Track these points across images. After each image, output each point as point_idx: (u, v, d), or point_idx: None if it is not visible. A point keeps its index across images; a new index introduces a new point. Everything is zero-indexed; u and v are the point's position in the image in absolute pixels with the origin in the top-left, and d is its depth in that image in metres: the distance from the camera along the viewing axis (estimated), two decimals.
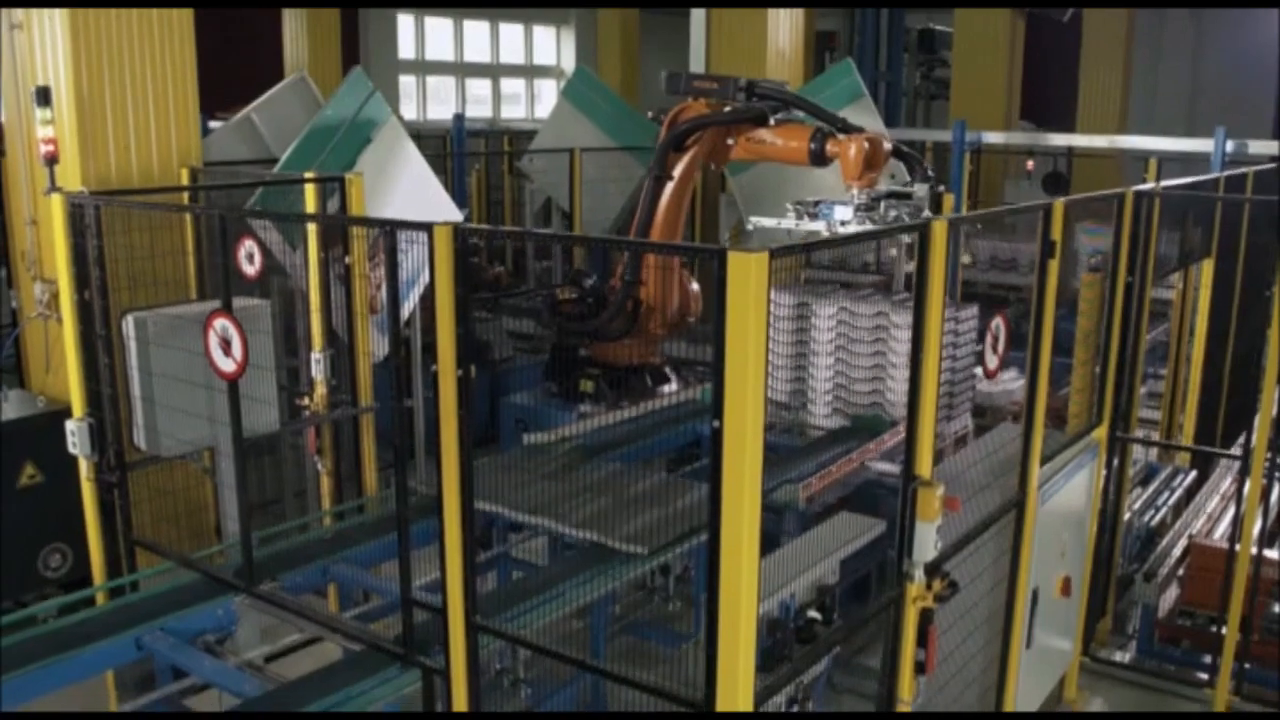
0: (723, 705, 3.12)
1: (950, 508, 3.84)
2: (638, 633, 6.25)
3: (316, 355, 6.29)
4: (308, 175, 6.04)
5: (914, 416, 3.74)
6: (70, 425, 4.97)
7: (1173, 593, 6.56)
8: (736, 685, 3.10)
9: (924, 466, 3.78)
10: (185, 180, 6.36)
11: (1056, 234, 4.60)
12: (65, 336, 5.15)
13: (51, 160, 4.92)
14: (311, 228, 5.97)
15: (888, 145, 6.88)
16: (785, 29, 11.44)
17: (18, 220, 6.85)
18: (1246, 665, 5.87)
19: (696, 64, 11.70)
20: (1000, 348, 4.36)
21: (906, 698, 4.01)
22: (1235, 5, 19.05)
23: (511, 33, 25.47)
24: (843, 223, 6.76)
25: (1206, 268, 7.15)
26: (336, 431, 6.47)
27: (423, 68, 23.37)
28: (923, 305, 3.62)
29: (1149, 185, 5.86)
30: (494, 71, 25.05)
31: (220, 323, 4.26)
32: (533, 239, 11.16)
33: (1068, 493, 5.35)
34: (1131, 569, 6.48)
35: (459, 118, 13.98)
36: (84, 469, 5.07)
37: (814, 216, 6.94)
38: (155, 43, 5.88)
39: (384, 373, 6.17)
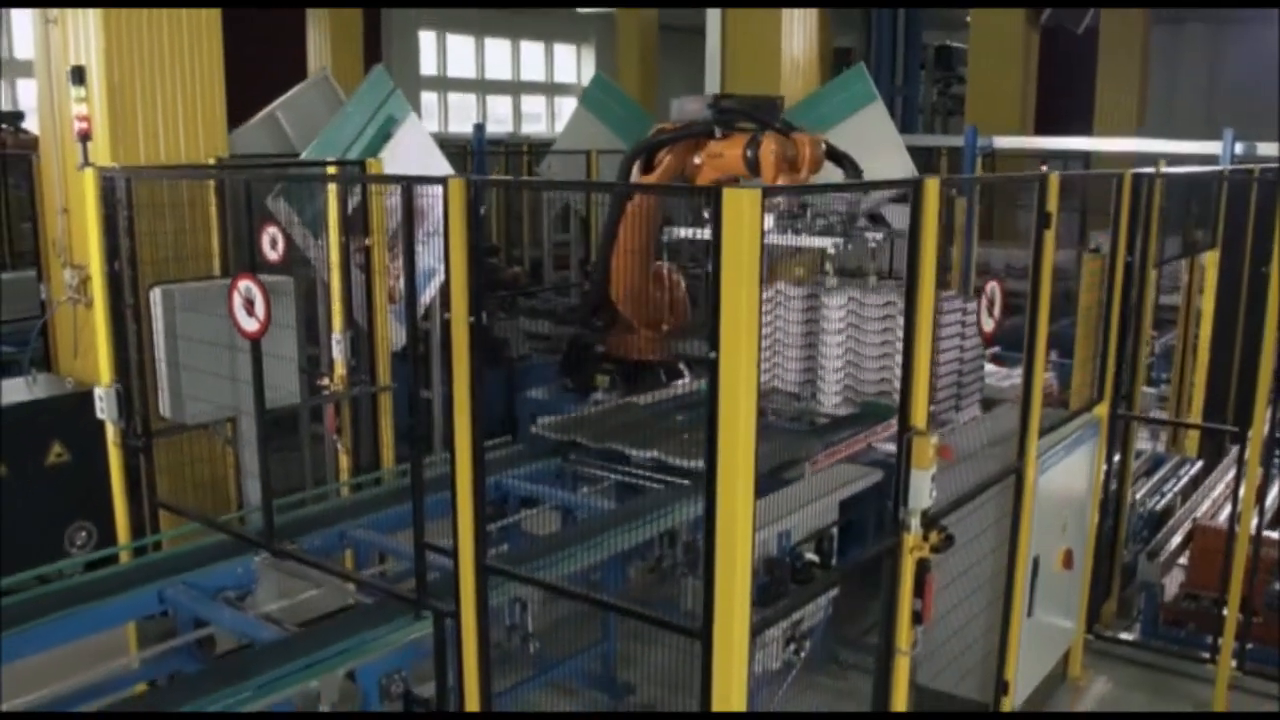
0: (720, 632, 3.24)
1: (943, 455, 3.96)
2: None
3: (337, 337, 6.47)
4: (330, 162, 6.22)
5: (909, 366, 3.87)
6: (99, 392, 5.15)
7: (1178, 579, 6.64)
8: (733, 613, 3.22)
9: (919, 417, 3.91)
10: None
11: (1052, 206, 4.73)
12: (95, 306, 5.34)
13: (85, 137, 5.14)
14: (332, 213, 6.15)
15: (820, 146, 6.73)
16: (799, 42, 11.62)
17: (49, 209, 7.06)
18: (1248, 646, 5.94)
19: (712, 78, 11.88)
20: (996, 312, 4.49)
21: (904, 647, 4.12)
22: (1239, 5, 19.07)
23: (532, 50, 25.81)
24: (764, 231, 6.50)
25: (1211, 259, 7.26)
26: (355, 412, 6.65)
27: (445, 84, 23.72)
28: (916, 253, 3.76)
29: (1149, 169, 5.98)
30: (515, 89, 25.38)
31: (244, 284, 4.43)
32: (542, 188, 11.35)
33: (1068, 466, 5.45)
34: (1136, 550, 6.55)
35: (479, 127, 14.21)
36: (111, 434, 5.24)
37: None
38: (184, 38, 6.10)
39: (403, 367, 6.33)
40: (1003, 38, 16.55)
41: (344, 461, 6.55)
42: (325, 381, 6.51)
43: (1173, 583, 6.65)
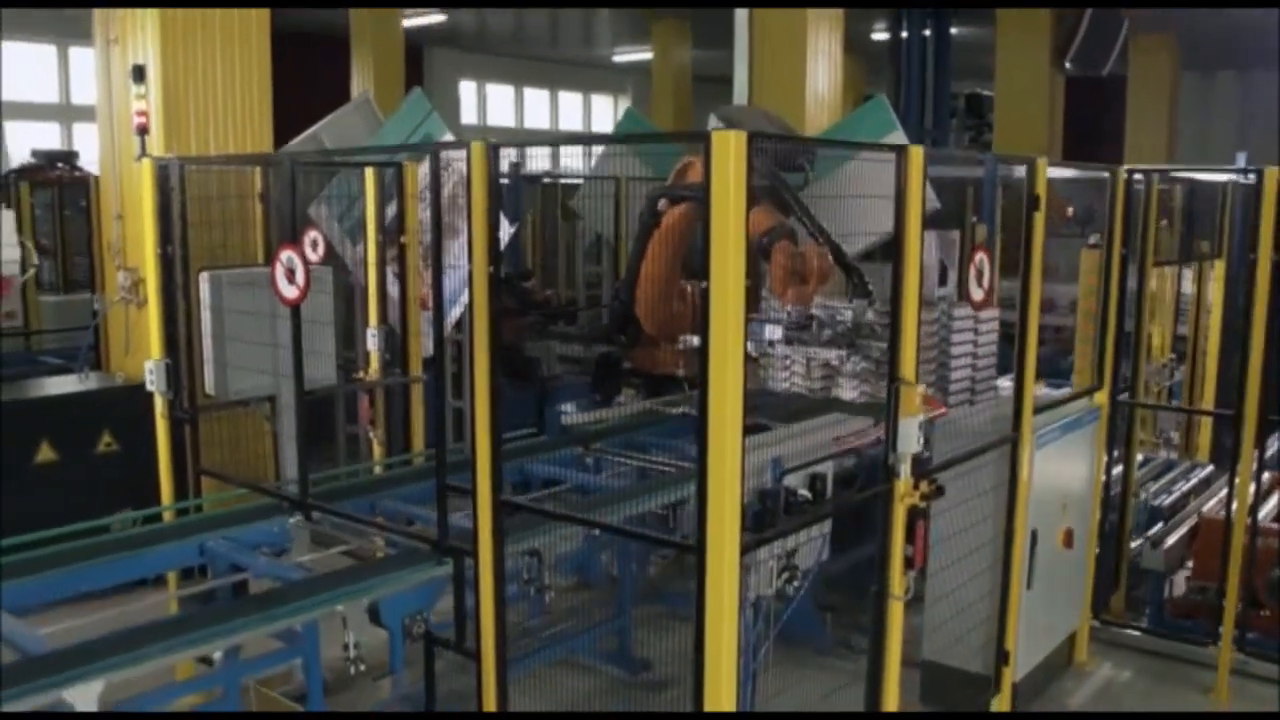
0: (712, 548, 3.50)
1: (931, 405, 4.22)
2: (666, 601, 6.66)
3: (372, 331, 6.85)
4: (369, 161, 6.61)
5: (896, 321, 4.15)
6: (149, 365, 5.52)
7: (1186, 576, 6.79)
8: (724, 529, 3.49)
9: (907, 370, 4.18)
10: (257, 178, 7.01)
11: (1040, 189, 5.03)
12: (147, 285, 5.74)
13: (143, 130, 5.58)
14: (370, 209, 6.55)
15: (828, 258, 6.50)
16: (824, 82, 12.05)
17: (106, 216, 7.53)
18: (1249, 635, 6.09)
19: None
20: (985, 281, 4.76)
21: (898, 592, 4.35)
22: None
23: (570, 100, 26.49)
24: (771, 342, 6.50)
25: (1218, 268, 7.50)
26: (388, 405, 6.99)
27: (485, 133, 24.39)
28: (902, 216, 4.07)
29: (1144, 166, 6.26)
30: (586, 140, 25.96)
31: (286, 254, 4.80)
32: (565, 142, 11.69)
33: (1066, 445, 5.68)
34: (1142, 542, 6.72)
35: (516, 165, 14.70)
36: (159, 406, 5.61)
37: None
38: (235, 44, 6.56)
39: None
40: (1028, 82, 16.89)
41: (377, 452, 6.89)
42: (361, 375, 6.88)
43: (1178, 581, 6.81)
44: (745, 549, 3.60)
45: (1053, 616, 5.88)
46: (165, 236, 5.54)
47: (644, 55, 22.31)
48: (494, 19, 21.07)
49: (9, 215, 7.18)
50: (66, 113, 18.61)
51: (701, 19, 20.07)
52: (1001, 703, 5.43)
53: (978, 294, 4.73)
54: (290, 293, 4.83)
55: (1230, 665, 5.99)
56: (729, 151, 3.32)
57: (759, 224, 7.15)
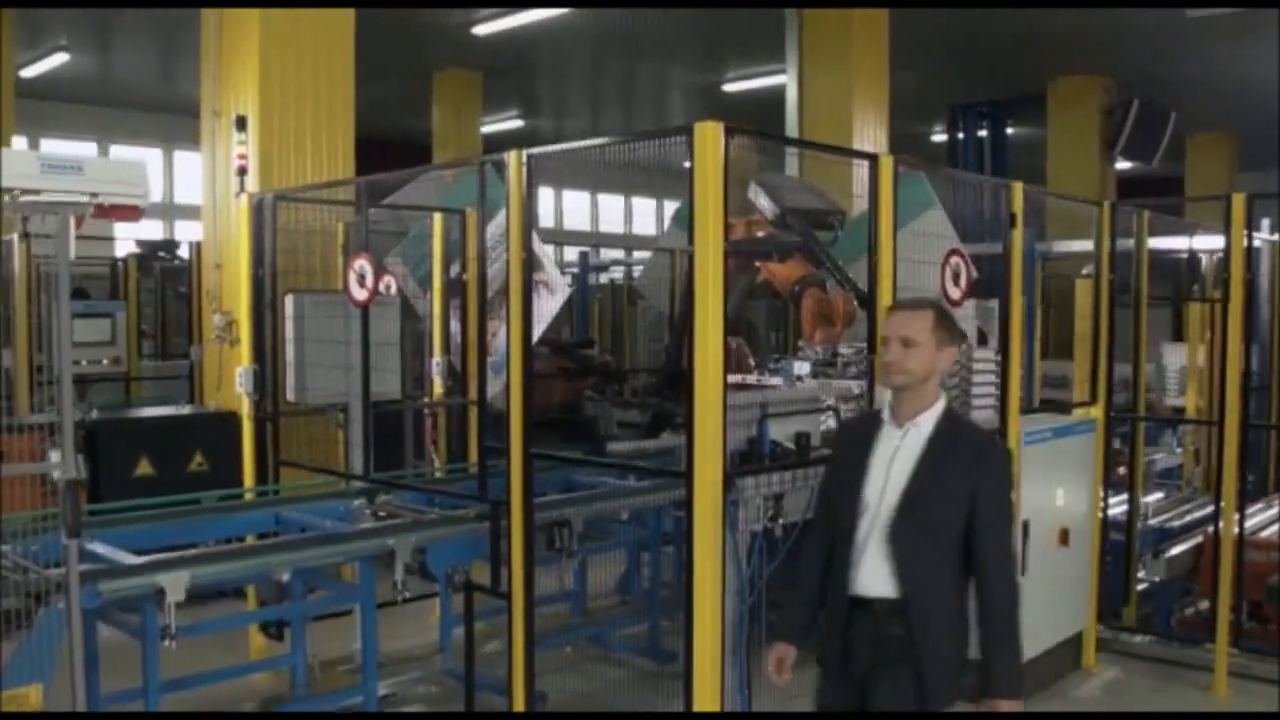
0: (700, 475, 4.13)
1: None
2: None
3: (436, 360, 7.63)
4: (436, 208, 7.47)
5: (873, 294, 4.80)
6: (239, 370, 6.35)
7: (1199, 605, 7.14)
8: (708, 458, 4.12)
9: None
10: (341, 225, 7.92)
11: (1016, 208, 5.68)
12: (240, 312, 6.60)
13: (242, 171, 6.50)
14: (437, 249, 7.37)
15: (853, 303, 7.12)
16: (869, 144, 12.83)
17: (207, 266, 8.48)
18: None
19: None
20: (961, 282, 5.39)
21: None
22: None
23: (645, 206, 27.66)
24: (799, 378, 7.12)
25: None
26: (450, 428, 7.74)
27: (561, 237, 25.55)
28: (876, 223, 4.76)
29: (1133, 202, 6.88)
30: (627, 242, 27.10)
31: (359, 263, 5.62)
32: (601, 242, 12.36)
33: (1059, 447, 6.19)
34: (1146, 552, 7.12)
35: (584, 254, 15.77)
36: (246, 407, 6.41)
37: (774, 372, 7.59)
38: (323, 98, 7.54)
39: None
40: (1078, 177, 17.42)
41: (438, 463, 7.62)
42: (426, 399, 7.65)
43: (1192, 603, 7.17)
44: (729, 479, 4.23)
45: (1053, 611, 6.25)
46: (258, 261, 6.40)
47: None
48: (571, 125, 22.34)
49: None
50: (170, 211, 20.16)
51: (765, 122, 21.10)
52: None
53: (954, 293, 5.34)
54: (360, 295, 5.63)
55: (1230, 667, 6.32)
56: (708, 141, 4.06)
57: (792, 274, 7.86)
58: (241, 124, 6.75)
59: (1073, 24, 14.60)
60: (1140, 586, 7.39)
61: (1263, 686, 6.33)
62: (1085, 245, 13.92)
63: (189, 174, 19.26)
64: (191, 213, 8.10)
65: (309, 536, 4.99)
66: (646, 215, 27.85)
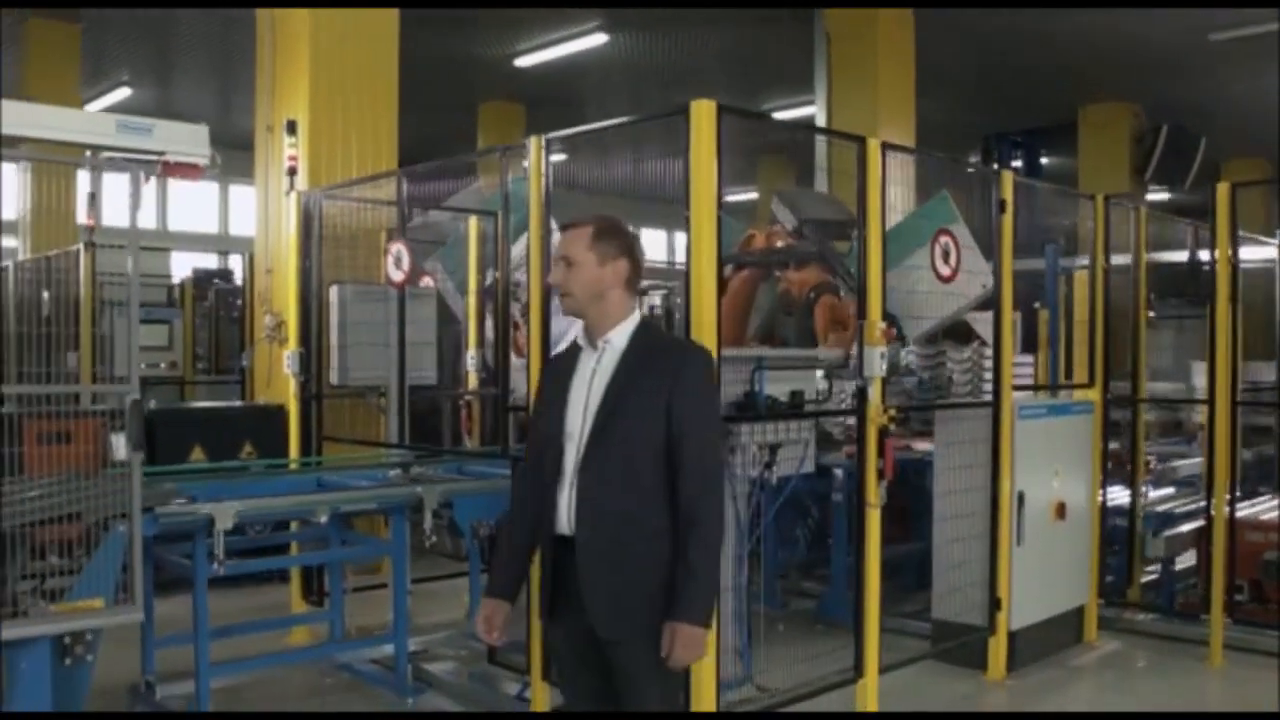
0: None
1: (886, 335, 5.21)
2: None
3: (471, 354, 8.11)
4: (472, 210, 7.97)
5: (865, 271, 5.20)
6: (287, 354, 6.86)
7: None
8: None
9: (873, 311, 5.20)
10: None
11: (1006, 195, 6.07)
12: (289, 304, 7.12)
13: (292, 172, 7.06)
14: (472, 251, 7.86)
15: None
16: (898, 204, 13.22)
17: (259, 271, 9.05)
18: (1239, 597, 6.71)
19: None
20: (952, 260, 5.77)
21: (873, 500, 5.26)
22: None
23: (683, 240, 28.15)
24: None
25: None
26: (483, 416, 8.20)
27: None
28: (864, 204, 5.17)
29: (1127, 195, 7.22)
30: (668, 275, 27.54)
31: (396, 247, 6.12)
32: None
33: (1054, 424, 6.52)
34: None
35: None
36: (292, 387, 6.92)
37: None
38: (367, 104, 8.11)
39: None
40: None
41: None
42: (461, 390, 8.13)
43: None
44: (730, 421, 4.63)
45: (1050, 583, 6.55)
46: (305, 254, 6.93)
47: (753, 195, 23.81)
48: (617, 166, 22.93)
49: None
50: (225, 242, 21.00)
51: (801, 154, 21.57)
52: (997, 645, 6.15)
53: (945, 270, 5.72)
54: (397, 276, 6.12)
55: (1231, 641, 6.55)
56: (702, 119, 4.51)
57: (807, 280, 8.23)
58: (292, 128, 7.33)
59: (1099, 50, 14.98)
60: (1147, 578, 7.67)
61: (1260, 659, 6.55)
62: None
63: (244, 207, 20.07)
64: (245, 245, 8.72)
65: (346, 487, 5.44)
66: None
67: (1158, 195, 19.09)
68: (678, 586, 3.11)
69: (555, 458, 3.24)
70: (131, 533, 4.07)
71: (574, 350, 3.39)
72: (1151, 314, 15.85)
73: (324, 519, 5.07)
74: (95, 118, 4.00)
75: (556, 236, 3.91)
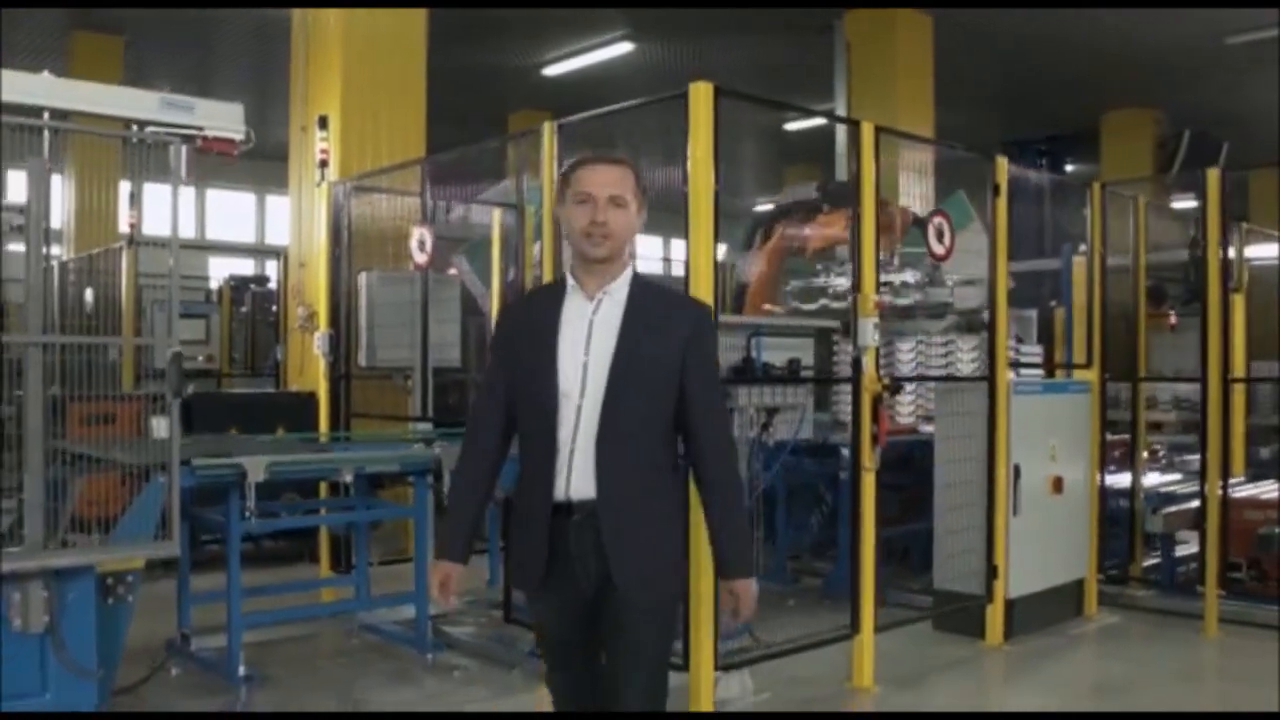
0: None
1: (878, 307, 5.48)
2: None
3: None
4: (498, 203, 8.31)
5: (857, 245, 5.48)
6: (318, 335, 7.22)
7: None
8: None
9: (867, 284, 5.48)
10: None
11: (1000, 180, 6.34)
12: (320, 293, 7.49)
13: (324, 164, 7.44)
14: (495, 242, 8.19)
15: (909, 215, 8.11)
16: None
17: (294, 265, 9.44)
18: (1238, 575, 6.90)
19: None
20: (946, 240, 6.05)
21: (868, 464, 5.52)
22: None
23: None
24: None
25: None
26: None
27: None
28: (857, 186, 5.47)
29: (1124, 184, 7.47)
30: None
31: (420, 231, 6.47)
32: None
33: (1049, 401, 6.75)
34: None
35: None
36: (323, 368, 7.28)
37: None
38: (396, 100, 8.49)
39: None
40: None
41: None
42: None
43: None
44: (728, 383, 4.93)
45: (1048, 555, 6.76)
46: (335, 242, 7.30)
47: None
48: (645, 164, 23.28)
49: None
50: (262, 250, 21.52)
51: (824, 158, 21.86)
52: (995, 612, 6.38)
53: (939, 249, 6.00)
54: (420, 258, 6.47)
55: (1228, 615, 6.74)
56: (700, 101, 4.84)
57: (839, 220, 8.55)
58: (324, 123, 7.73)
59: (1118, 56, 15.16)
60: (1150, 562, 7.87)
61: (1257, 630, 6.74)
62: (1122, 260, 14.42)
63: (279, 217, 20.60)
64: (281, 253, 9.21)
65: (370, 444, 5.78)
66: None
67: (1184, 203, 19.25)
68: (727, 547, 3.07)
69: (548, 418, 2.98)
70: (171, 477, 4.40)
71: (552, 298, 3.10)
72: (1173, 316, 16.01)
73: (349, 478, 5.40)
74: (139, 94, 4.35)
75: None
